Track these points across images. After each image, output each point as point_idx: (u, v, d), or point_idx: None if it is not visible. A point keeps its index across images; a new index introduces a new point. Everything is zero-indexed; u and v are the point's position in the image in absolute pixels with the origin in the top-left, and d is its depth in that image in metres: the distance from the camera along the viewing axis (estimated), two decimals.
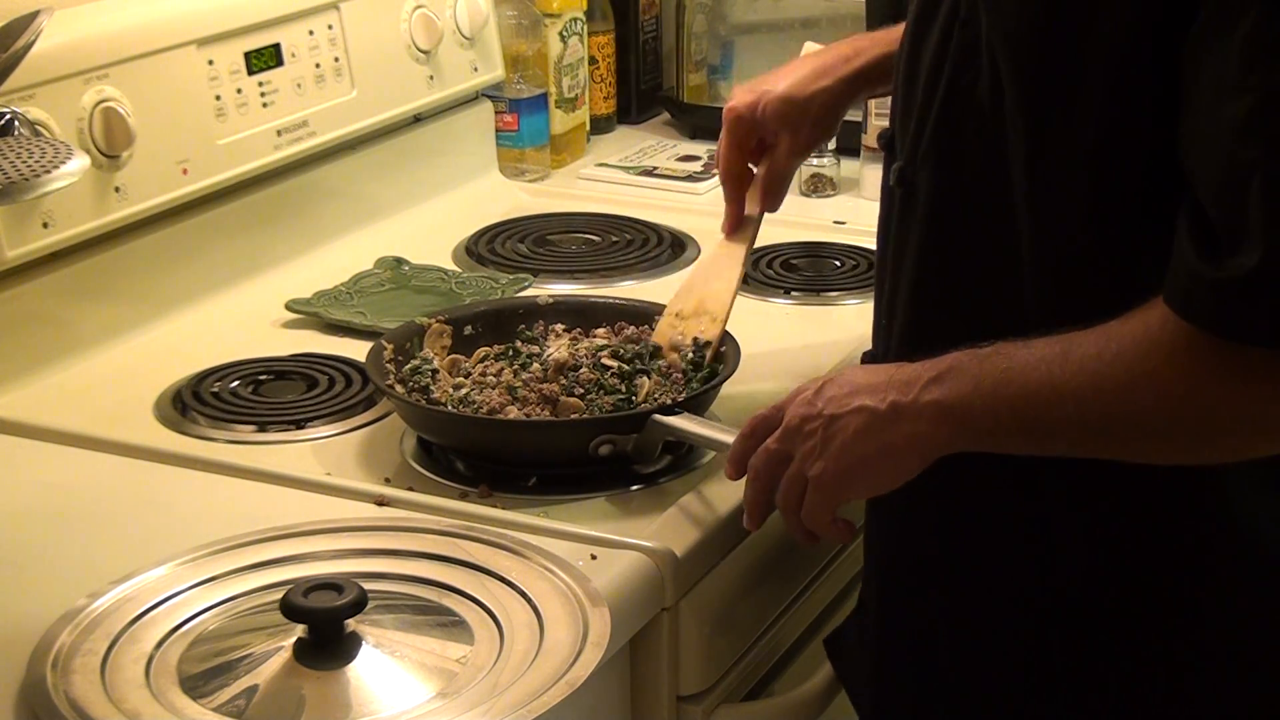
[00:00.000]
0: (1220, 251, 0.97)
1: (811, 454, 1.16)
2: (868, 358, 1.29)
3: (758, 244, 1.81)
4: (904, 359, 1.15)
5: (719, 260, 1.51)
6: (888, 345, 1.23)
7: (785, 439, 1.18)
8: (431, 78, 1.97)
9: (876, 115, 2.00)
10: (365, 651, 1.07)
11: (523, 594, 1.15)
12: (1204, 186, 0.98)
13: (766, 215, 1.51)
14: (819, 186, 2.04)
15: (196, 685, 1.06)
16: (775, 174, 1.48)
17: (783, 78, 1.45)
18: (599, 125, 2.28)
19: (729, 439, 1.29)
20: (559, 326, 1.52)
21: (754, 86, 1.47)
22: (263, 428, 1.44)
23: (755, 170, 1.50)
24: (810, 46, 1.56)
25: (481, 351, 1.49)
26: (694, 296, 1.49)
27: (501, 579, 1.17)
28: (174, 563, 1.18)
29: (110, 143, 1.56)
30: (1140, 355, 1.02)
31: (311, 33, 1.80)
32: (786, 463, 1.18)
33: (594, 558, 1.21)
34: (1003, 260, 1.12)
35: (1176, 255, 1.00)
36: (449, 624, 1.13)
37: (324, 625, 1.07)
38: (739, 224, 1.50)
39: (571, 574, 1.16)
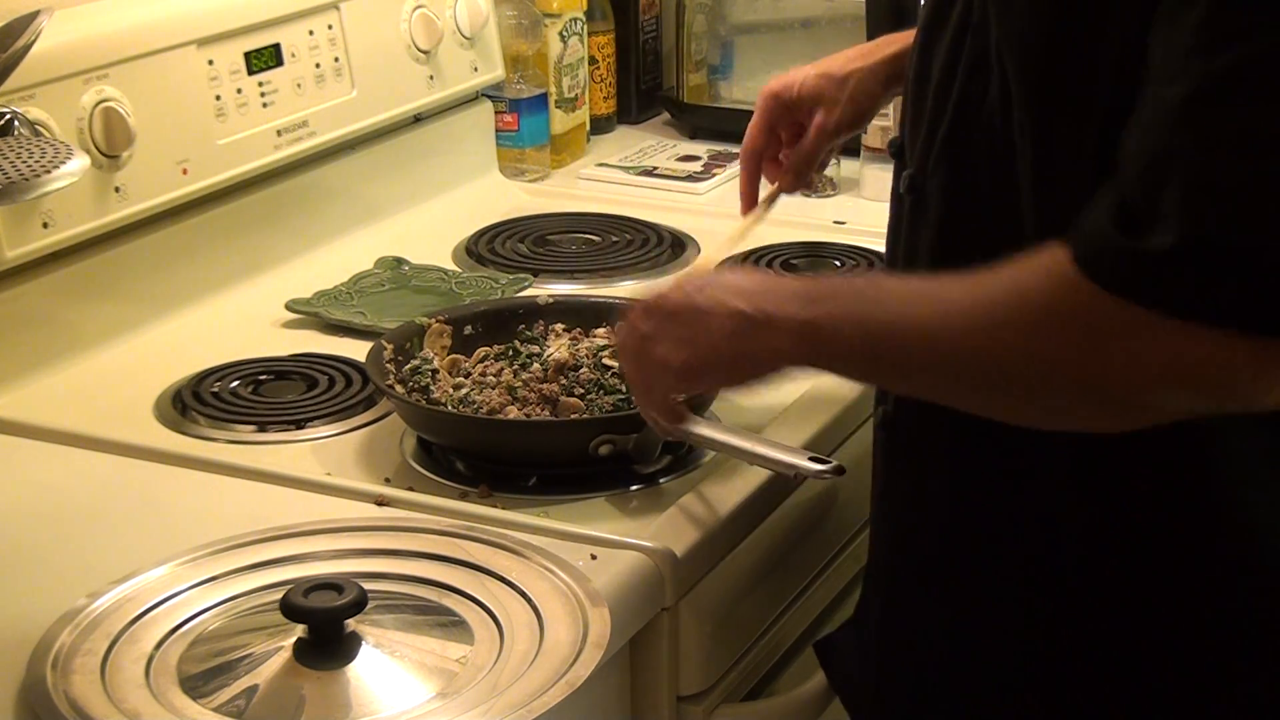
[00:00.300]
0: (1136, 228, 0.97)
1: (678, 342, 1.17)
2: None
3: (762, 242, 1.82)
4: (899, 398, 1.17)
5: (728, 233, 1.51)
6: None
7: (657, 323, 1.19)
8: (431, 78, 1.97)
9: (879, 115, 2.00)
10: (365, 651, 1.07)
11: (523, 594, 1.15)
12: (1131, 164, 0.98)
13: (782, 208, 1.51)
14: (819, 186, 2.04)
15: (196, 685, 1.06)
16: (802, 151, 1.46)
17: (822, 62, 1.45)
18: (599, 125, 2.28)
19: (729, 439, 1.30)
20: (559, 326, 1.52)
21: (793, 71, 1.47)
22: (263, 428, 1.44)
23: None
24: None
25: (481, 351, 1.49)
26: (696, 267, 1.49)
27: (501, 579, 1.17)
28: (174, 563, 1.18)
29: (110, 143, 1.56)
30: (1011, 305, 1.02)
31: (311, 33, 1.80)
32: (654, 344, 1.20)
33: (594, 558, 1.21)
34: None
35: (1090, 217, 0.99)
36: (449, 624, 1.13)
37: (324, 625, 1.07)
38: (750, 203, 1.49)
39: (571, 574, 1.16)
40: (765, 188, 1.50)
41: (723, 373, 1.19)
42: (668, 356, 1.18)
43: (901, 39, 1.42)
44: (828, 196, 2.04)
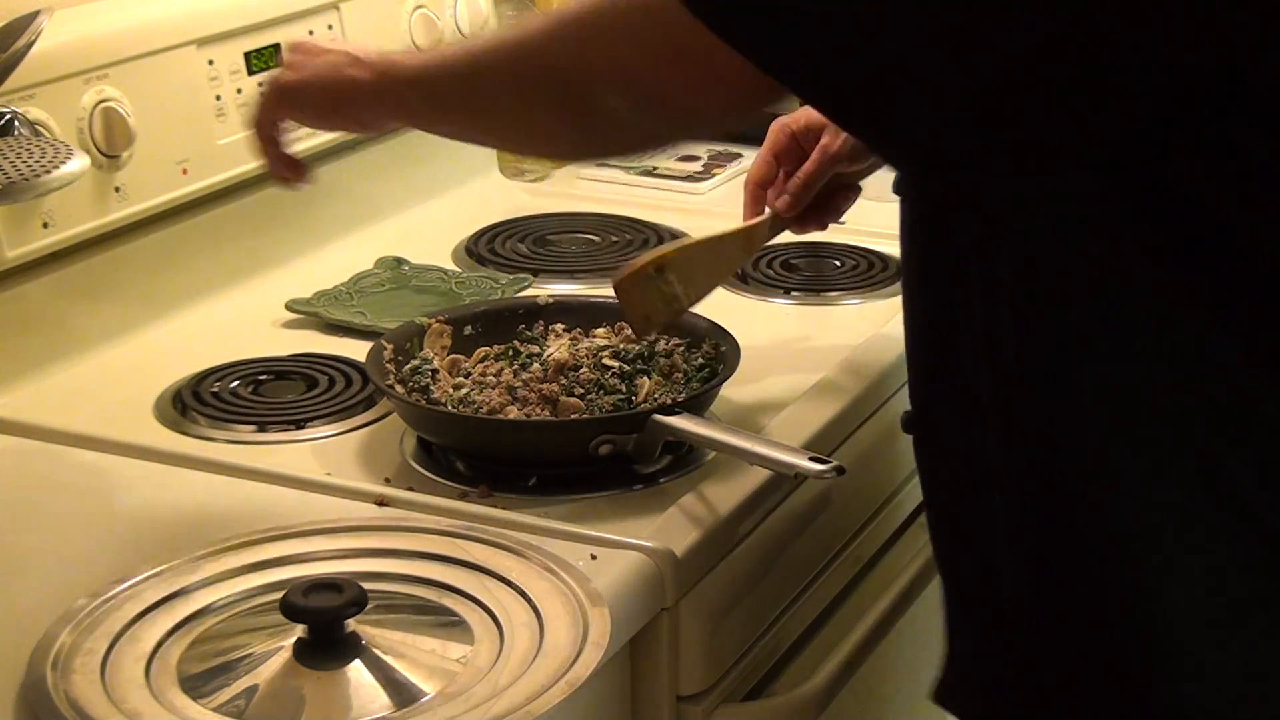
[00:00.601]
0: None
1: (291, 67, 1.34)
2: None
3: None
4: (912, 375, 1.18)
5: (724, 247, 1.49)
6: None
7: (288, 56, 1.36)
8: None
9: None
10: (365, 651, 1.07)
11: (523, 594, 1.15)
12: None
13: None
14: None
15: (196, 685, 1.06)
16: (802, 175, 1.46)
17: None
18: None
19: (729, 439, 1.30)
20: (559, 326, 1.52)
21: None
22: (263, 428, 1.44)
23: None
24: None
25: (481, 351, 1.49)
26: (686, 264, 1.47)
27: (501, 579, 1.17)
28: (174, 563, 1.18)
29: (110, 143, 1.56)
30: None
31: (311, 33, 1.80)
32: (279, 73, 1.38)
33: (594, 558, 1.21)
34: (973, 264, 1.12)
35: None
36: (449, 624, 1.13)
37: (324, 625, 1.07)
38: None
39: (571, 574, 1.16)
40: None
41: (315, 98, 1.33)
42: (280, 77, 1.36)
43: None
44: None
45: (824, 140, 1.45)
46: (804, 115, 1.47)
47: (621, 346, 1.46)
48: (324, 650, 1.07)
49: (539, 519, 1.27)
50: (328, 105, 1.34)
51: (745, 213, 1.49)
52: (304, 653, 1.07)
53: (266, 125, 1.37)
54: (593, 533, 1.25)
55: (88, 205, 1.55)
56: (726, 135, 2.20)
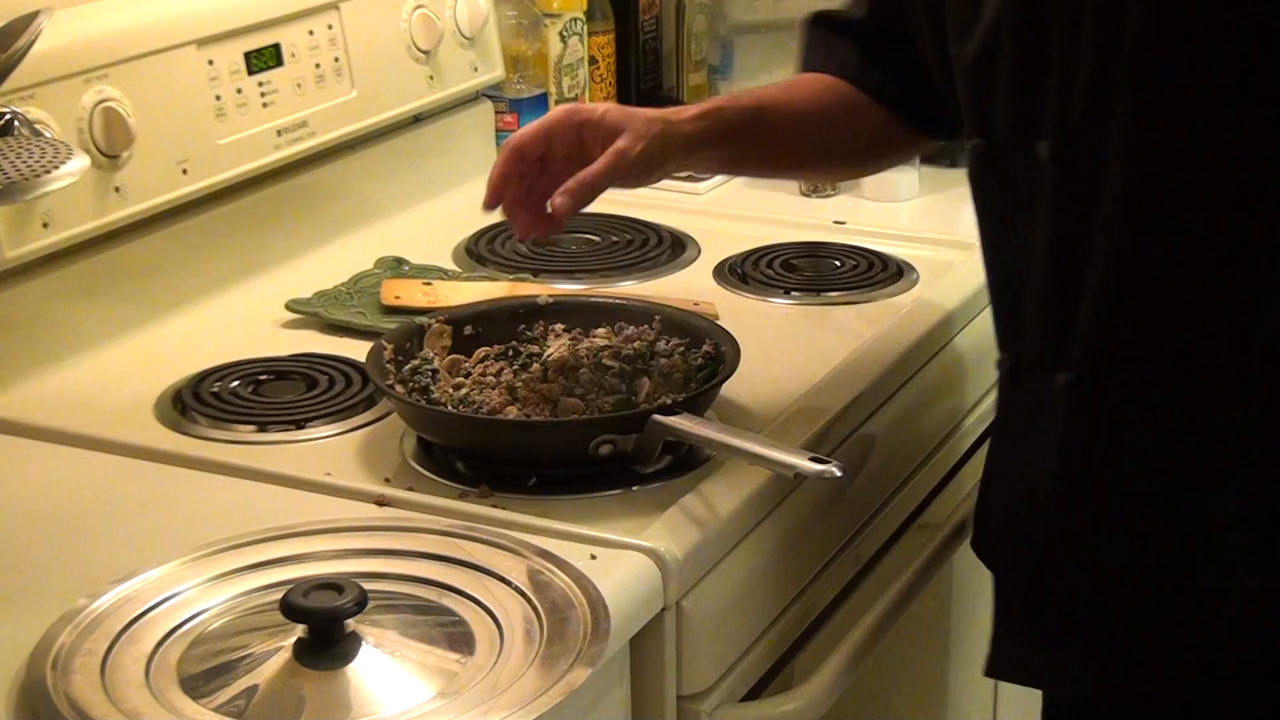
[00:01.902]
0: None
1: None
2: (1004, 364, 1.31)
3: (762, 242, 1.82)
4: (1094, 361, 1.21)
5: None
6: (1044, 347, 1.25)
7: None
8: (431, 78, 1.97)
9: None
10: (365, 651, 1.07)
11: (523, 594, 1.15)
12: None
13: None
14: (819, 186, 2.04)
15: (196, 685, 1.06)
16: (592, 170, 1.34)
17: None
18: None
19: (729, 439, 1.30)
20: (559, 326, 1.52)
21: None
22: (263, 428, 1.44)
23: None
24: None
25: (481, 351, 1.49)
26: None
27: (501, 579, 1.17)
28: (174, 563, 1.18)
29: (110, 143, 1.56)
30: None
31: (311, 33, 1.80)
32: None
33: (594, 558, 1.21)
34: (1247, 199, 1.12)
35: None
36: (449, 624, 1.13)
37: (324, 625, 1.07)
38: (497, 199, 1.41)
39: (571, 574, 1.17)
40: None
41: None
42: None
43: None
44: (828, 196, 2.03)
45: (622, 143, 1.35)
46: (599, 109, 1.38)
47: (621, 347, 1.46)
48: (324, 650, 1.07)
49: (539, 519, 1.27)
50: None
51: (494, 174, 1.40)
52: (304, 653, 1.07)
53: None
54: (593, 533, 1.25)
55: (88, 205, 1.55)
56: None
